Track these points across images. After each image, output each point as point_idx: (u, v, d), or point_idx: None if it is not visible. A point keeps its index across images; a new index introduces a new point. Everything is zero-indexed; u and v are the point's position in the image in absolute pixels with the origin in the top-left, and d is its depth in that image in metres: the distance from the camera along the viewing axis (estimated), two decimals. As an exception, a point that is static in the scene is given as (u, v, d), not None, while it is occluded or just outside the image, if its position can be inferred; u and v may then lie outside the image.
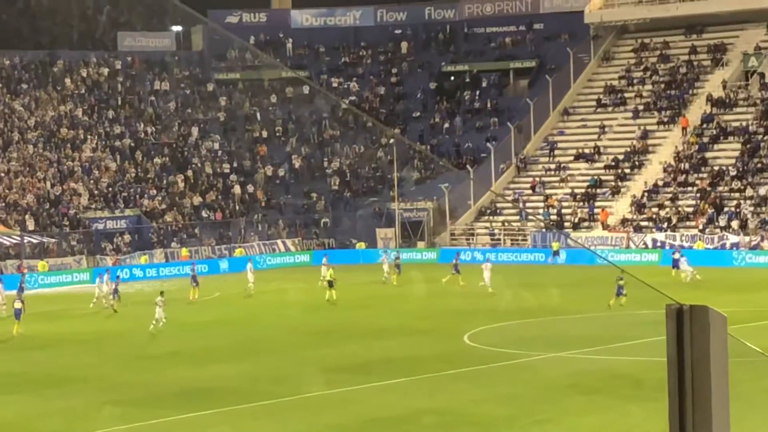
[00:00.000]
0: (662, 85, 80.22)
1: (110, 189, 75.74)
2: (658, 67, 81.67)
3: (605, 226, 70.61)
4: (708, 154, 73.17)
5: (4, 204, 70.40)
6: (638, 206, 71.34)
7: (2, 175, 73.12)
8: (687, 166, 72.99)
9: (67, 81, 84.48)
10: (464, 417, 26.35)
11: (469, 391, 29.36)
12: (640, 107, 79.23)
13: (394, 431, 25.63)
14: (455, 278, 55.01)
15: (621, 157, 76.05)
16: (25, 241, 65.81)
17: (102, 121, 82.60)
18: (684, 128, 75.48)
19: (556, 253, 68.55)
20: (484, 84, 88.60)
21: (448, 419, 26.27)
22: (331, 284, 50.25)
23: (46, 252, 67.94)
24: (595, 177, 75.39)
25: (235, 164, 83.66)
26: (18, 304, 43.22)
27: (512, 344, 36.64)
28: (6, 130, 77.54)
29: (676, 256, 57.18)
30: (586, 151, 77.89)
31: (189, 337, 40.38)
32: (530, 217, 73.75)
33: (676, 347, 4.73)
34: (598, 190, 74.59)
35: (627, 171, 75.07)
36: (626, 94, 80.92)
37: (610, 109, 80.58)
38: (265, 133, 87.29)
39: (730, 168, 71.10)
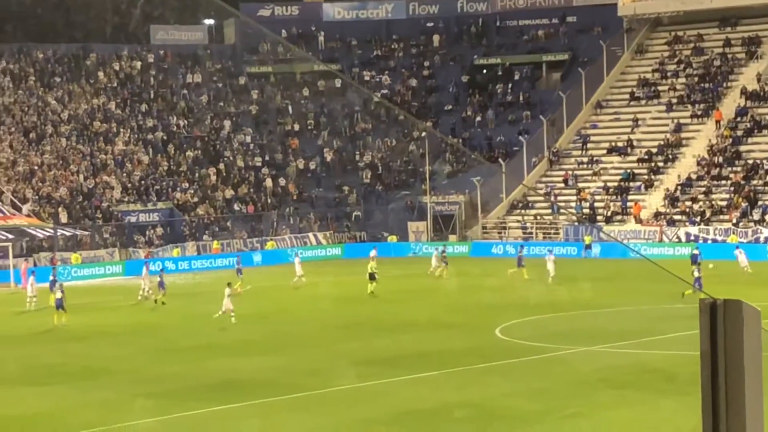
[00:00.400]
0: (696, 78, 79.76)
1: (143, 182, 76.13)
2: (691, 60, 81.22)
3: (638, 220, 70.33)
4: (742, 148, 72.73)
5: (37, 197, 70.92)
6: (671, 200, 71.00)
7: (36, 168, 73.64)
8: (721, 159, 72.58)
9: (100, 74, 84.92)
10: (495, 411, 26.34)
11: (500, 385, 29.33)
12: (674, 100, 78.82)
13: (425, 424, 25.63)
14: (520, 272, 54.97)
15: (654, 150, 75.70)
16: (58, 233, 66.26)
17: (135, 115, 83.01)
18: (718, 121, 75.04)
19: (588, 247, 68.40)
20: (516, 77, 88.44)
21: (479, 413, 26.25)
22: (372, 277, 50.46)
23: (79, 245, 68.39)
24: (628, 170, 75.07)
25: (267, 157, 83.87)
26: (59, 294, 43.45)
27: (544, 338, 36.56)
28: (39, 123, 78.05)
29: (697, 252, 56.79)
30: (619, 144, 77.57)
31: (222, 330, 40.53)
32: (562, 210, 73.53)
33: (710, 341, 4.73)
34: (631, 184, 74.28)
35: (660, 164, 74.71)
36: (660, 87, 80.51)
37: (643, 102, 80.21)
38: (296, 127, 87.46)
39: (765, 161, 70.65)
